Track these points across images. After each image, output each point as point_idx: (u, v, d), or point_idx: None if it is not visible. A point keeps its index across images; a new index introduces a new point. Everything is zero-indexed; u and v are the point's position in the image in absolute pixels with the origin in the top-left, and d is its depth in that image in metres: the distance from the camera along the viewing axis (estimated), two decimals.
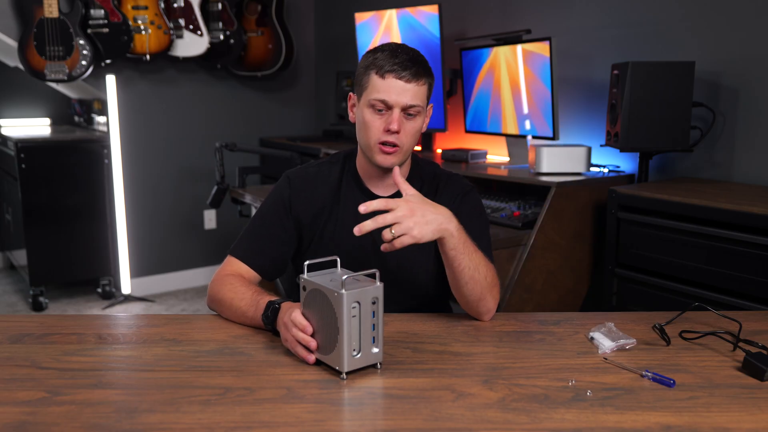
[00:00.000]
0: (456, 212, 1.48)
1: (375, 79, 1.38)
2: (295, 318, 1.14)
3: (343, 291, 1.04)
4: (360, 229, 1.15)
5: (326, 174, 1.53)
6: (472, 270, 1.30)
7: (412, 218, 1.18)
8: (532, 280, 2.32)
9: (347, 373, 1.07)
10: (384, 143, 1.40)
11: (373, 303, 1.09)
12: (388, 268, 1.48)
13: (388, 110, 1.39)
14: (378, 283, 1.09)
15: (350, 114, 1.49)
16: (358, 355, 1.08)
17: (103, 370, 1.13)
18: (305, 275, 1.12)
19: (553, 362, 1.15)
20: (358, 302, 1.07)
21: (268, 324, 1.25)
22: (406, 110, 1.38)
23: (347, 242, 1.47)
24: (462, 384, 1.06)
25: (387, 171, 1.46)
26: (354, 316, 1.07)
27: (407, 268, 1.50)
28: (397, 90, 1.37)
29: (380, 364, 1.12)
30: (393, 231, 1.16)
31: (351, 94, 1.48)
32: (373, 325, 1.10)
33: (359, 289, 1.07)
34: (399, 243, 1.17)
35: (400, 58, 1.37)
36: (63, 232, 3.69)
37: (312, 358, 1.12)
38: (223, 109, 4.13)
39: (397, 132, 1.38)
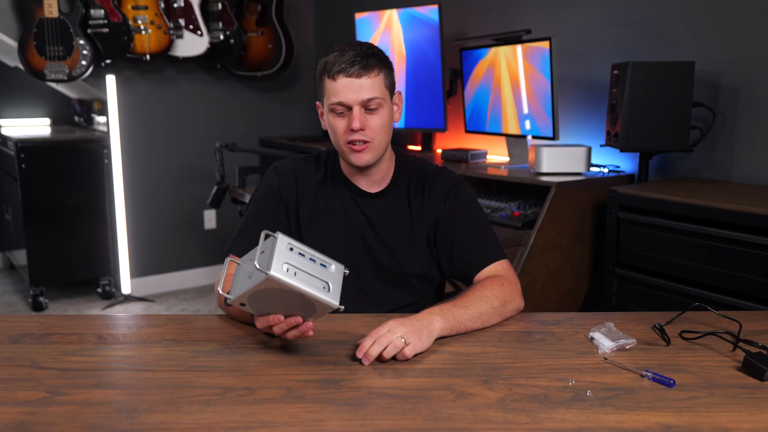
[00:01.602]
0: (449, 212, 1.48)
1: (328, 83, 1.38)
2: (260, 324, 1.15)
3: (271, 272, 1.04)
4: (368, 358, 1.12)
5: (312, 170, 1.53)
6: (478, 322, 1.28)
7: (404, 327, 1.15)
8: (532, 280, 2.32)
9: (341, 304, 1.09)
10: (351, 142, 1.40)
11: (291, 249, 1.09)
12: (379, 264, 1.48)
13: (348, 110, 1.38)
14: (277, 234, 1.09)
15: (322, 123, 1.48)
16: (330, 288, 1.09)
17: (103, 370, 1.13)
18: (230, 298, 1.13)
19: (553, 362, 1.15)
20: (286, 263, 1.06)
21: None
22: (365, 105, 1.38)
23: (335, 241, 1.47)
24: (462, 384, 1.06)
25: (367, 168, 1.46)
26: (295, 274, 1.06)
27: (398, 265, 1.49)
28: (351, 88, 1.36)
29: (346, 270, 1.14)
30: (402, 338, 1.13)
31: (318, 103, 1.48)
32: (311, 259, 1.10)
33: (275, 257, 1.06)
34: (411, 350, 1.14)
35: (347, 56, 1.36)
36: (63, 232, 3.69)
37: (308, 326, 1.13)
38: (223, 109, 4.13)
39: (361, 129, 1.38)
